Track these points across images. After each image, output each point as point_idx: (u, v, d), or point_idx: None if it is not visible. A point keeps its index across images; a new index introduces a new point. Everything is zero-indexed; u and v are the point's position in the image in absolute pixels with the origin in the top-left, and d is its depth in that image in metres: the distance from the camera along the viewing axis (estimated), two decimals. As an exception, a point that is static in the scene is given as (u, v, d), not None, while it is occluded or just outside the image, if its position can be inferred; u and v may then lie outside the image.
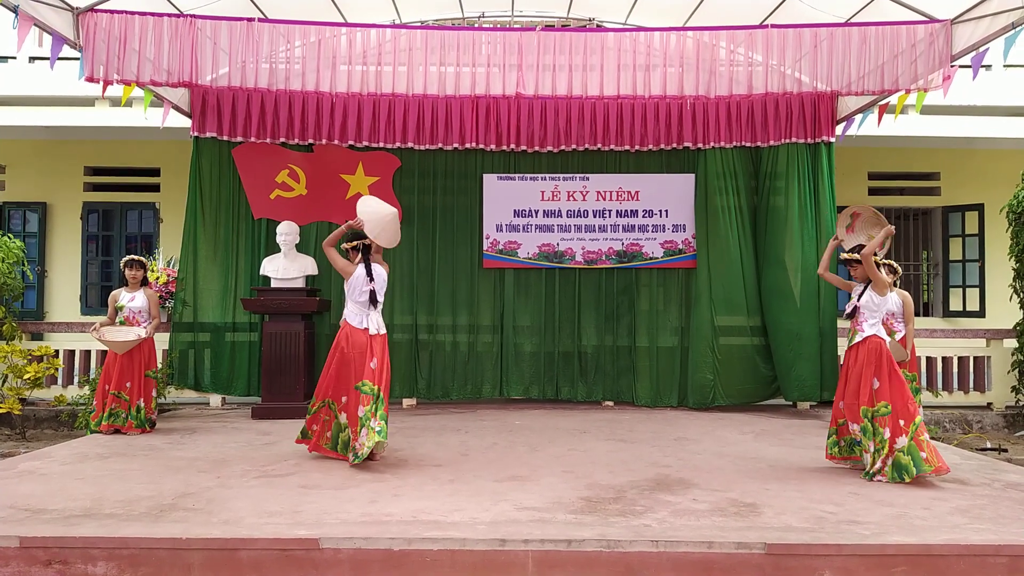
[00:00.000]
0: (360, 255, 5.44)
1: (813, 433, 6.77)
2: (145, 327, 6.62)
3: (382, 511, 4.10)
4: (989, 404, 8.62)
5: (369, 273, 5.36)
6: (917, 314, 10.99)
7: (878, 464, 4.87)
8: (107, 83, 6.87)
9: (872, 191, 10.86)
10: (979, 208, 10.43)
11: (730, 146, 8.33)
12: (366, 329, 5.34)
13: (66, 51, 6.85)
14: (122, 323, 6.65)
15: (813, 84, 7.91)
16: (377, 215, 5.38)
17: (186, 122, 8.26)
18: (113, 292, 6.83)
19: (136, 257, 6.80)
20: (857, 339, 5.10)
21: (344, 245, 5.55)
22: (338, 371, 5.39)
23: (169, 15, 6.96)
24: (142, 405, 6.54)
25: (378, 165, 8.42)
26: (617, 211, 8.57)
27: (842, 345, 8.26)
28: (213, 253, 8.19)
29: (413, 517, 3.98)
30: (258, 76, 7.60)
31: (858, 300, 5.11)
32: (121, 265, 6.80)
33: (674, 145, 8.42)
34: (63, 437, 7.37)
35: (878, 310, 5.07)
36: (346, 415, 5.35)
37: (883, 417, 4.88)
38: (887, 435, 4.84)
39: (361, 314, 5.37)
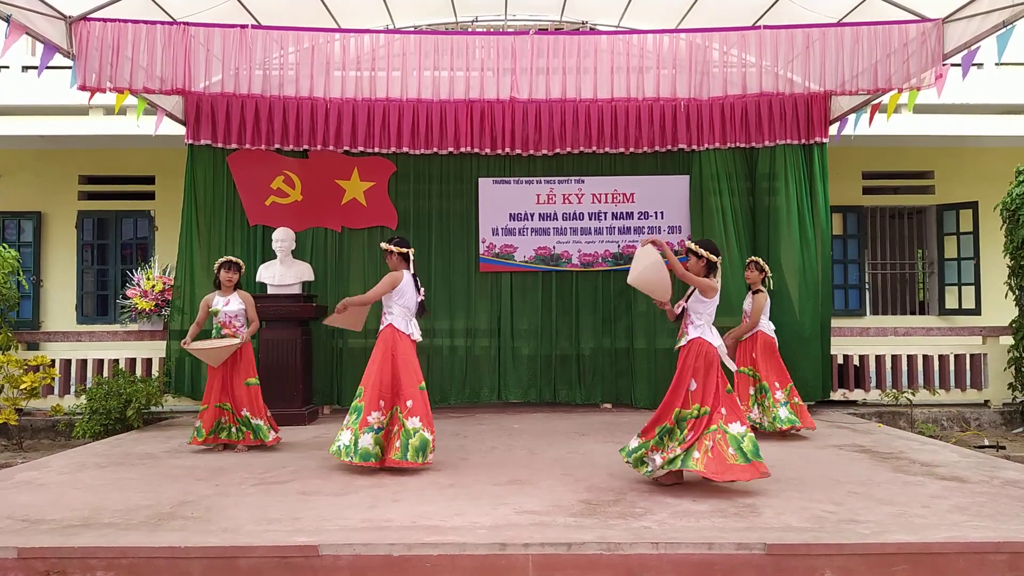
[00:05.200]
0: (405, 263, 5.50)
1: (811, 433, 6.78)
2: (241, 332, 6.16)
3: (382, 517, 4.09)
4: (986, 401, 8.64)
5: (416, 283, 5.49)
6: (914, 312, 11.06)
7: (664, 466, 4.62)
8: (97, 90, 6.85)
9: (866, 190, 10.89)
10: (973, 206, 10.47)
11: (724, 147, 8.35)
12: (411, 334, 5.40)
13: (60, 60, 6.85)
14: (218, 329, 6.19)
15: (806, 84, 7.92)
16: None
17: (180, 130, 8.25)
18: (206, 297, 6.35)
19: (233, 259, 6.37)
20: (682, 342, 4.80)
21: (386, 245, 5.55)
22: (395, 376, 5.27)
23: (162, 23, 6.96)
24: (249, 415, 6.07)
25: (373, 170, 8.42)
26: (613, 213, 8.57)
27: (836, 344, 8.35)
28: (209, 260, 8.13)
29: (413, 522, 3.97)
30: (252, 82, 7.61)
31: (685, 302, 4.85)
32: (216, 267, 6.33)
33: (668, 147, 8.44)
34: (60, 447, 7.34)
35: (703, 312, 4.79)
36: (418, 417, 5.19)
37: (693, 420, 4.61)
38: (688, 437, 4.57)
39: (408, 320, 5.42)
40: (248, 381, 6.14)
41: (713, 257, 4.79)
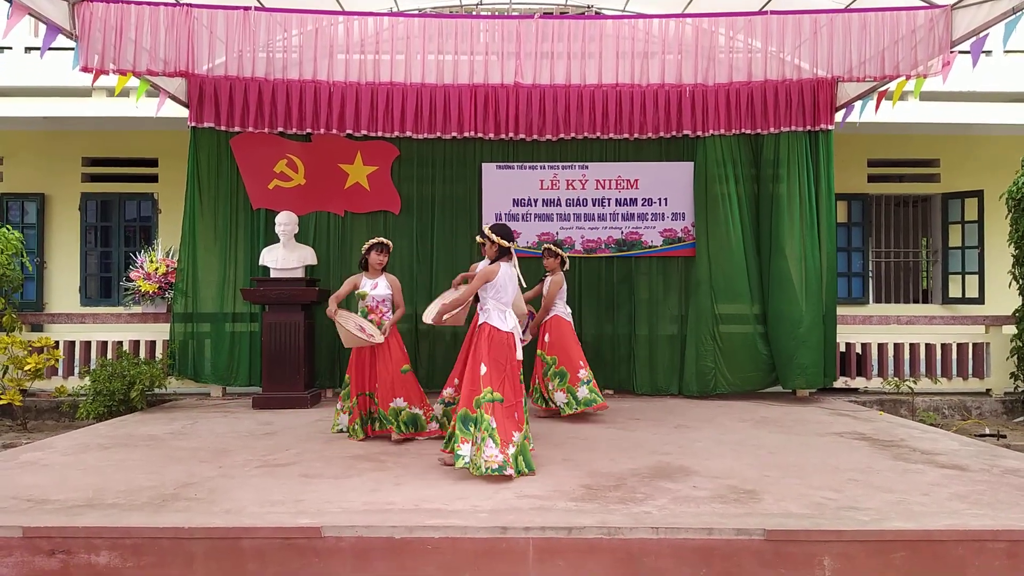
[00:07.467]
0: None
1: (813, 420, 6.80)
2: (387, 318, 5.87)
3: (384, 500, 4.12)
4: (988, 390, 8.64)
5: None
6: (917, 300, 11.06)
7: (501, 457, 4.54)
8: (100, 72, 6.83)
9: (872, 178, 10.85)
10: (979, 194, 10.43)
11: (729, 134, 8.31)
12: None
13: (63, 41, 6.82)
14: (363, 312, 5.89)
15: (813, 71, 7.88)
16: None
17: (184, 112, 8.23)
18: (352, 277, 6.03)
19: (384, 240, 5.99)
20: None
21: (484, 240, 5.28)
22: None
23: (165, 4, 6.91)
24: (402, 405, 5.75)
25: (377, 154, 8.40)
26: (616, 199, 8.55)
27: (839, 332, 8.33)
28: (212, 243, 8.17)
29: (415, 505, 4.00)
30: (255, 65, 7.57)
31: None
32: (365, 248, 5.96)
33: (673, 133, 8.39)
34: (64, 428, 7.39)
35: (487, 297, 4.93)
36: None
37: (488, 404, 4.65)
38: (493, 424, 4.58)
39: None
40: (403, 368, 5.85)
41: (505, 243, 4.95)
